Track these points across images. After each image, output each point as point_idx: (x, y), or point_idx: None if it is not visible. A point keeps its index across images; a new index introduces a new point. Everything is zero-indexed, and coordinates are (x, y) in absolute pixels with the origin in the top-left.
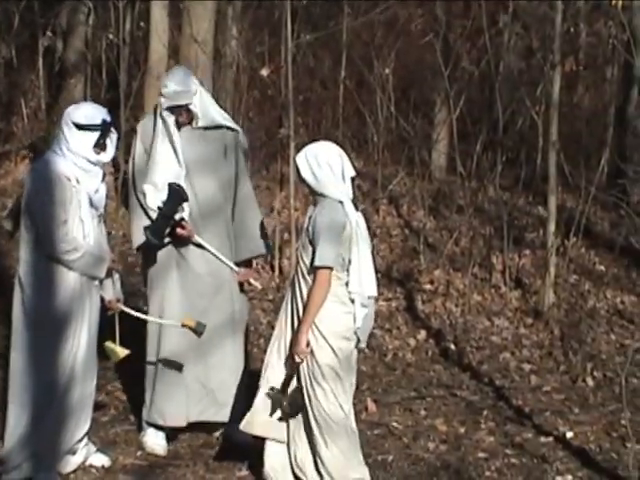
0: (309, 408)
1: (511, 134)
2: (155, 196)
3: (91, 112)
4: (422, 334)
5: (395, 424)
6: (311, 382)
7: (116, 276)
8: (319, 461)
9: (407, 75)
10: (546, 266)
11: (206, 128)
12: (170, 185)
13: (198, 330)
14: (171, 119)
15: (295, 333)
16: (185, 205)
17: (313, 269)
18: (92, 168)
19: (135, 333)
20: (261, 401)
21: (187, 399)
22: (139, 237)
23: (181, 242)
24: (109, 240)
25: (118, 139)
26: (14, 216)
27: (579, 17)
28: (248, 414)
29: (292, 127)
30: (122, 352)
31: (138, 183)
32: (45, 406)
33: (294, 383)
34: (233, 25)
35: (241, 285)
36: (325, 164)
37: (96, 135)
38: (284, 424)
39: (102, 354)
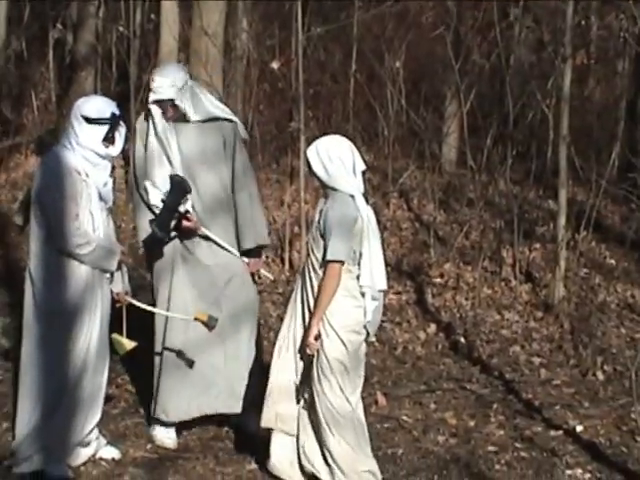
0: (316, 401)
1: (522, 127)
2: (156, 191)
3: (100, 105)
4: (432, 327)
5: (405, 417)
6: (318, 376)
7: (124, 269)
8: (327, 454)
9: (418, 68)
10: (556, 260)
11: (203, 121)
12: (172, 177)
13: (210, 324)
14: (157, 113)
15: (307, 326)
16: (189, 197)
17: (324, 263)
18: (101, 162)
19: (143, 326)
20: (270, 394)
21: (198, 392)
22: (144, 232)
23: (187, 235)
24: (118, 233)
25: (127, 132)
26: (24, 210)
27: (590, 10)
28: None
29: (302, 120)
30: (129, 344)
31: (140, 180)
32: (56, 399)
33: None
34: (244, 18)
35: (252, 276)
36: (336, 158)
37: (105, 129)
38: (294, 417)
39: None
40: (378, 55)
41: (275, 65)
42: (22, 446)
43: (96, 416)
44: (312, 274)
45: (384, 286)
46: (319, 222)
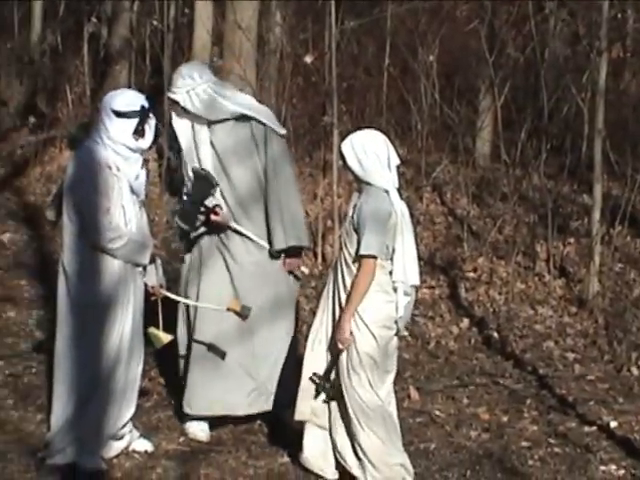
0: (346, 396)
1: (556, 121)
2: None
3: (130, 99)
4: (465, 322)
5: (437, 412)
6: (348, 370)
7: (158, 262)
8: (358, 448)
9: (451, 62)
10: (591, 254)
11: (229, 119)
12: (195, 171)
13: (243, 314)
14: (173, 108)
15: (338, 321)
16: (219, 192)
17: (358, 258)
18: (132, 155)
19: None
20: (303, 387)
21: (225, 391)
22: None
23: (218, 229)
24: (152, 226)
25: (157, 125)
26: (56, 205)
27: (626, 3)
28: (297, 401)
29: (335, 114)
30: (166, 338)
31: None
32: (89, 391)
33: (335, 369)
34: (277, 11)
35: (290, 273)
36: (372, 152)
37: (135, 122)
38: (326, 410)
39: (146, 340)
40: (412, 49)
41: (308, 59)
42: (56, 438)
43: (130, 409)
44: (344, 268)
45: (417, 281)
46: (353, 217)
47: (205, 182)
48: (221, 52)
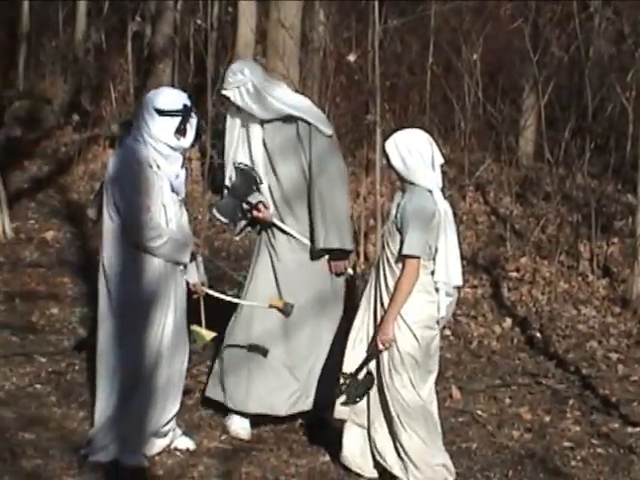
0: (387, 396)
1: (600, 120)
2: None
3: (172, 98)
4: (508, 322)
5: (479, 412)
6: (390, 370)
7: (199, 259)
8: (399, 447)
9: (495, 61)
10: (635, 254)
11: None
12: (237, 167)
13: (286, 311)
14: (227, 106)
15: (381, 322)
16: (264, 189)
17: (401, 257)
18: (172, 153)
19: (221, 316)
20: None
21: (268, 391)
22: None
23: (264, 226)
24: (194, 225)
25: (199, 123)
26: (98, 203)
27: None
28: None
29: (379, 113)
30: (208, 335)
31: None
32: (132, 389)
33: (366, 369)
34: (320, 10)
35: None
36: (416, 152)
37: (177, 120)
38: (365, 409)
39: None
40: (455, 47)
41: (352, 57)
42: (98, 435)
43: (175, 407)
44: (386, 268)
45: (460, 282)
46: (396, 216)
47: (249, 178)
48: (264, 50)
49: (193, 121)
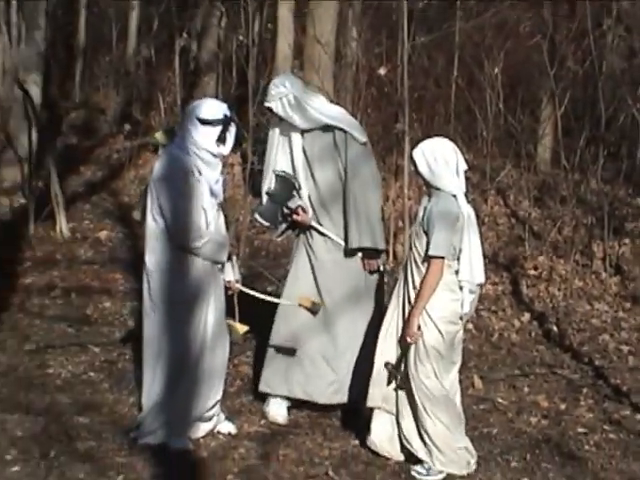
0: (413, 385)
1: (613, 130)
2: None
3: (214, 108)
4: (526, 316)
5: (500, 400)
6: (415, 361)
7: (234, 259)
8: (424, 434)
9: (515, 74)
10: None
11: (313, 129)
12: (277, 174)
13: (314, 310)
14: (270, 117)
15: (407, 317)
16: (304, 193)
17: (427, 258)
18: (213, 160)
19: (254, 312)
20: (375, 375)
21: (306, 378)
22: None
23: (303, 229)
24: (236, 226)
25: (239, 132)
26: (142, 206)
27: None
28: (370, 389)
29: (407, 122)
30: (242, 329)
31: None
32: (177, 376)
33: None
34: (353, 27)
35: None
36: (441, 159)
37: (218, 129)
38: (394, 397)
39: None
40: (478, 62)
41: (382, 71)
42: (147, 420)
43: (218, 394)
44: (414, 268)
45: (482, 279)
46: (423, 219)
47: (288, 184)
48: (301, 64)
49: (232, 130)
